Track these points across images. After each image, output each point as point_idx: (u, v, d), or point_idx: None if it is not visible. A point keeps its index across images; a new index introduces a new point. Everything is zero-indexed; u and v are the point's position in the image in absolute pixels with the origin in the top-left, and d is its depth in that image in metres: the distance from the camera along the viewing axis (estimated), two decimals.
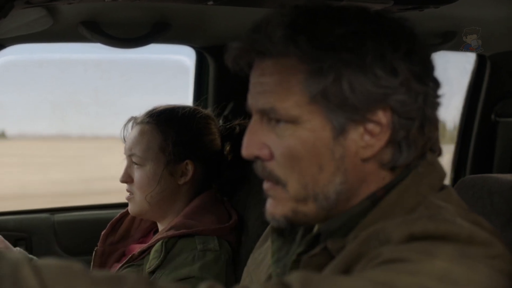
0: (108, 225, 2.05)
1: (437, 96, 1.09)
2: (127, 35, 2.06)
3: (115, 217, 2.07)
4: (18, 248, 2.02)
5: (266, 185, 1.09)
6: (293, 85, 1.04)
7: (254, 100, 1.08)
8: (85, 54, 2.62)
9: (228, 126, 2.10)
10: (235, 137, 2.04)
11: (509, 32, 2.18)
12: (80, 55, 2.89)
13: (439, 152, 1.12)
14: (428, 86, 1.06)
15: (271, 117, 1.06)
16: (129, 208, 1.96)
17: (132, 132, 1.96)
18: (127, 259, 1.87)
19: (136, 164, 1.92)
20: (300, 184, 1.06)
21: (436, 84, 1.09)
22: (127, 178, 1.94)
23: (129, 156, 1.94)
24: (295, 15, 1.05)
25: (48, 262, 0.88)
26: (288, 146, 1.05)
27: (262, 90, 1.06)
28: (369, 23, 1.04)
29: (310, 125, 1.04)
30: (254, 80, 1.08)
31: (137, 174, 1.92)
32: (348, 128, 1.04)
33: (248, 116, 1.12)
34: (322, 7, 1.06)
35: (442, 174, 1.11)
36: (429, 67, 1.08)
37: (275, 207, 1.08)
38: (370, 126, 1.04)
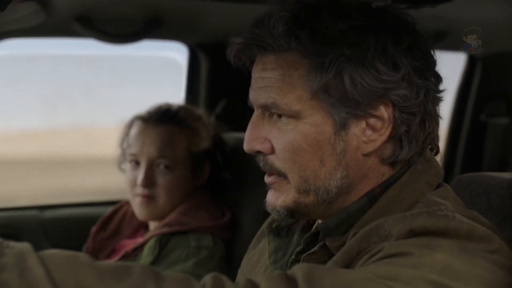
0: (99, 220, 2.03)
1: (439, 91, 1.09)
2: (120, 31, 2.05)
3: (106, 214, 2.05)
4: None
5: (268, 179, 1.09)
6: (295, 80, 1.04)
7: (256, 95, 1.08)
8: (77, 49, 2.60)
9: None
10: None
11: (501, 33, 2.19)
12: (72, 51, 2.87)
13: (436, 150, 1.13)
14: (429, 81, 1.07)
15: (273, 112, 1.06)
16: (143, 212, 1.87)
17: (151, 133, 1.86)
18: (120, 255, 1.85)
19: (165, 167, 1.86)
20: (301, 178, 1.06)
21: (438, 79, 1.09)
22: (149, 182, 1.85)
23: (158, 158, 1.85)
24: (297, 9, 1.05)
25: (53, 252, 0.87)
26: (289, 140, 1.05)
27: (263, 85, 1.06)
28: (371, 18, 1.04)
29: (312, 119, 1.04)
30: (256, 75, 1.08)
31: (166, 178, 1.86)
32: (349, 122, 1.04)
33: (239, 114, 1.11)
34: (324, 1, 1.06)
35: (439, 171, 1.11)
36: (431, 62, 1.08)
37: (277, 198, 1.08)
38: (372, 121, 1.04)
